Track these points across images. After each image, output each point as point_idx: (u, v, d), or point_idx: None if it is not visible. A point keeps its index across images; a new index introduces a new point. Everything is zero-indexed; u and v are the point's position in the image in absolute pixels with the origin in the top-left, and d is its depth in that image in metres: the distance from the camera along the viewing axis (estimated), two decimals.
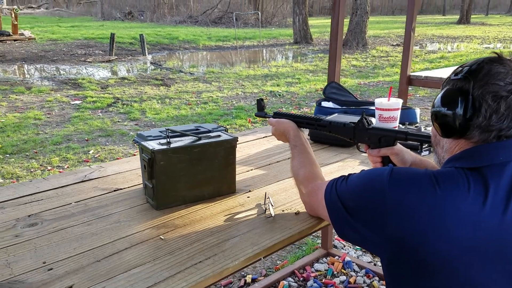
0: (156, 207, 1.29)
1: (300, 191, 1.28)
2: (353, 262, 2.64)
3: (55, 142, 4.82)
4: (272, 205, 1.31)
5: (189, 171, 1.31)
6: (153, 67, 10.47)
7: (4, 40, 13.71)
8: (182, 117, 5.78)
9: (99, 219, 1.22)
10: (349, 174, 1.10)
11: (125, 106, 6.38)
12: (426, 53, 13.20)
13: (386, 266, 1.01)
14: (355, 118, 2.07)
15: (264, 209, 1.29)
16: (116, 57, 11.69)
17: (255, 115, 1.60)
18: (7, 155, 4.40)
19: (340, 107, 2.44)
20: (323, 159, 1.79)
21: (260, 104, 1.56)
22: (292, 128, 1.41)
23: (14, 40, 13.97)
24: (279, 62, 12.17)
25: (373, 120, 2.04)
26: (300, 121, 1.43)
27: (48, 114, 5.99)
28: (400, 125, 2.00)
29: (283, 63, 11.84)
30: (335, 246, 2.87)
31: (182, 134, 1.36)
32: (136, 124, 5.49)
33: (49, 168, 4.07)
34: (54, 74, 9.19)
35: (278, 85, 8.42)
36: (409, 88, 3.06)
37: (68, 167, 4.10)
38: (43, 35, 15.70)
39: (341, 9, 2.39)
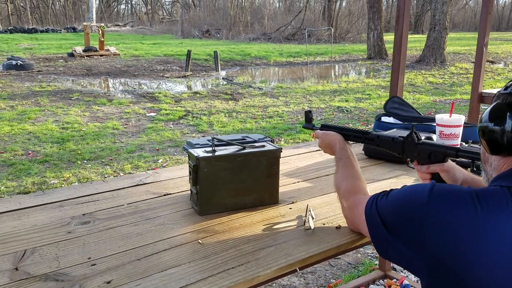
0: (199, 213, 1.33)
1: (342, 205, 1.26)
2: (411, 286, 2.51)
3: (129, 151, 5.12)
4: (312, 218, 1.30)
5: (232, 179, 1.34)
6: (224, 82, 10.80)
7: (91, 55, 14.88)
8: (247, 130, 5.89)
9: (145, 221, 1.29)
10: (391, 190, 1.07)
11: (194, 118, 6.64)
12: (510, 71, 12.33)
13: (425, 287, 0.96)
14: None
15: (304, 221, 1.28)
16: (191, 72, 12.21)
17: (303, 127, 1.60)
18: (85, 161, 4.74)
19: (401, 123, 2.37)
20: (376, 175, 1.74)
21: (308, 116, 1.56)
22: (339, 141, 1.40)
23: (101, 56, 15.10)
24: (350, 78, 12.01)
25: (434, 137, 1.95)
26: (347, 133, 1.41)
27: (125, 124, 6.39)
28: (463, 143, 1.90)
29: (353, 79, 11.66)
30: (394, 269, 2.75)
31: (228, 143, 1.40)
32: (203, 136, 5.69)
33: (121, 174, 4.33)
34: (134, 88, 9.80)
35: (346, 101, 8.31)
36: (482, 107, 2.89)
37: None
38: (127, 51, 16.82)
39: (405, 22, 2.33)
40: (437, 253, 0.89)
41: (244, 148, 1.38)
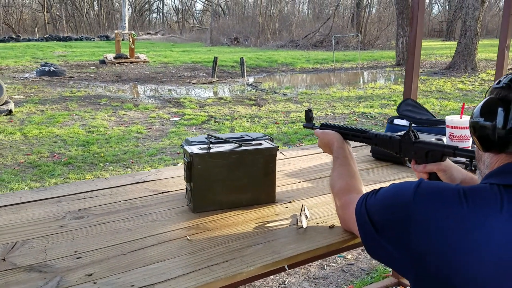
0: (193, 210, 1.32)
1: (335, 204, 1.23)
2: None
3: (150, 154, 5.19)
4: (306, 217, 1.27)
5: (227, 177, 1.33)
6: (249, 88, 10.84)
7: (122, 62, 15.23)
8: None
9: (138, 217, 1.29)
10: (380, 188, 1.04)
11: (217, 123, 6.68)
12: None
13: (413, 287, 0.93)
14: (428, 137, 1.95)
15: (296, 220, 1.26)
16: (217, 79, 12.32)
17: (303, 126, 1.58)
18: (107, 164, 4.84)
19: (414, 126, 2.31)
20: (381, 176, 1.69)
21: (308, 115, 1.53)
22: (337, 140, 1.37)
23: (131, 63, 15.44)
24: (377, 84, 11.84)
25: (444, 139, 1.89)
26: (346, 132, 1.38)
27: (149, 129, 6.48)
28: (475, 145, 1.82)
29: (380, 85, 11.49)
30: None
31: (224, 141, 1.39)
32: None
33: None
34: (161, 94, 9.96)
35: (371, 107, 8.18)
36: None
37: None
38: (156, 58, 17.14)
39: (419, 23, 2.28)
40: (423, 252, 0.86)
41: (240, 145, 1.37)
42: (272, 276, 2.66)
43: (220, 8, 43.63)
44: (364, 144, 1.41)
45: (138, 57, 15.99)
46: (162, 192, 1.49)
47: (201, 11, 50.78)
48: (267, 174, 1.38)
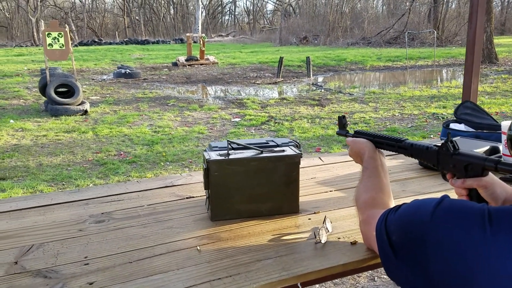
0: (211, 218, 1.29)
1: (358, 218, 1.13)
2: None
3: None
4: (327, 231, 1.18)
5: (246, 185, 1.27)
6: (314, 88, 10.67)
7: (192, 64, 15.70)
8: (327, 137, 5.73)
9: (156, 223, 1.28)
10: (403, 204, 0.93)
11: (276, 124, 6.64)
12: None
13: None
14: (485, 144, 1.76)
15: (314, 234, 1.17)
16: (282, 79, 12.28)
17: (336, 133, 1.48)
18: (167, 163, 4.98)
19: (473, 130, 2.10)
20: (424, 187, 1.55)
21: (341, 122, 1.43)
22: (368, 149, 1.26)
23: (200, 64, 15.87)
24: (452, 83, 11.13)
25: (500, 147, 1.70)
26: (380, 141, 1.27)
27: (211, 129, 6.60)
28: None
29: (456, 84, 10.78)
30: None
31: (245, 147, 1.34)
32: None
33: None
34: (226, 95, 10.12)
35: (444, 107, 7.70)
36: None
37: None
38: (225, 59, 17.47)
39: (479, 18, 2.07)
40: (438, 276, 0.75)
41: (261, 152, 1.31)
42: (317, 285, 2.56)
43: (290, 8, 43.57)
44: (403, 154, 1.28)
45: (207, 59, 16.39)
46: (187, 198, 1.47)
47: (272, 11, 51.07)
48: (289, 183, 1.31)
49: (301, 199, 1.39)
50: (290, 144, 1.42)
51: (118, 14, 42.61)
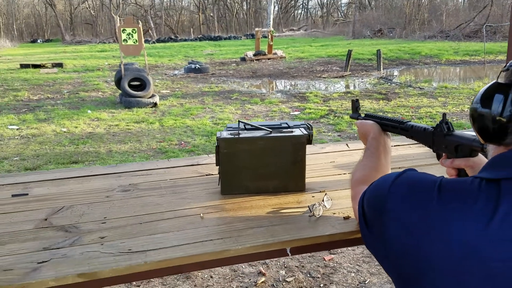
0: (221, 192, 1.39)
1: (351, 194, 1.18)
2: None
3: None
4: (325, 207, 1.24)
5: (253, 162, 1.36)
6: (382, 82, 10.39)
7: (260, 59, 15.92)
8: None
9: (172, 194, 1.41)
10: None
11: (336, 118, 6.59)
12: None
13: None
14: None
15: (309, 208, 1.23)
16: (350, 72, 12.08)
17: (350, 117, 1.52)
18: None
19: None
20: (442, 172, 1.53)
21: (354, 105, 1.48)
22: (373, 131, 1.30)
23: (268, 59, 16.05)
24: None
25: None
26: (385, 123, 1.31)
27: None
28: None
29: None
30: None
31: (257, 128, 1.43)
32: (339, 135, 5.62)
33: None
34: (289, 88, 10.18)
35: None
36: None
37: None
38: (293, 54, 17.50)
39: None
40: (392, 245, 0.80)
41: (270, 132, 1.39)
42: (352, 274, 2.59)
43: (366, 0, 42.46)
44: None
45: (275, 53, 16.53)
46: (206, 175, 1.59)
47: (347, 4, 50.04)
48: (296, 162, 1.37)
49: (311, 179, 1.46)
50: (301, 126, 1.48)
51: (193, 11, 44.15)
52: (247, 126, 1.45)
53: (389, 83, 10.14)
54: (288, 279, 2.54)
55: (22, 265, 0.99)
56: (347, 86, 10.24)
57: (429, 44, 19.92)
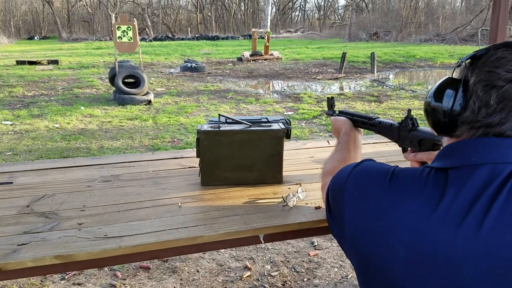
0: (201, 183, 1.43)
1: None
2: None
3: None
4: (299, 198, 1.28)
5: (232, 155, 1.40)
6: (375, 84, 10.46)
7: (256, 59, 15.97)
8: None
9: (153, 185, 1.45)
10: None
11: (327, 118, 6.65)
12: None
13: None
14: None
15: (283, 199, 1.28)
16: (344, 75, 12.14)
17: (325, 113, 1.57)
18: None
19: None
20: None
21: (330, 103, 1.53)
22: (345, 126, 1.35)
23: (264, 60, 16.09)
24: None
25: None
26: (356, 119, 1.36)
27: None
28: None
29: None
30: None
31: (237, 122, 1.47)
32: (330, 135, 5.67)
33: None
34: (284, 89, 10.23)
35: None
36: None
37: None
38: (290, 55, 17.55)
39: (502, 6, 2.02)
40: (351, 232, 0.85)
41: (249, 126, 1.43)
42: (336, 269, 2.63)
43: (363, 3, 42.62)
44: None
45: (272, 54, 16.57)
46: (189, 167, 1.63)
47: (344, 6, 50.21)
48: (274, 155, 1.42)
49: (289, 173, 1.50)
50: (280, 121, 1.52)
51: (191, 11, 44.16)
52: (228, 120, 1.49)
53: (382, 86, 10.21)
54: (273, 274, 2.58)
55: (2, 247, 1.02)
56: (341, 88, 10.30)
57: (424, 47, 20.03)
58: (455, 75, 0.86)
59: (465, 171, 0.74)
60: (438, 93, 0.83)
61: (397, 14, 32.46)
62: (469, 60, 0.82)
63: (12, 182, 1.47)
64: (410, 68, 14.12)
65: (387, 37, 27.98)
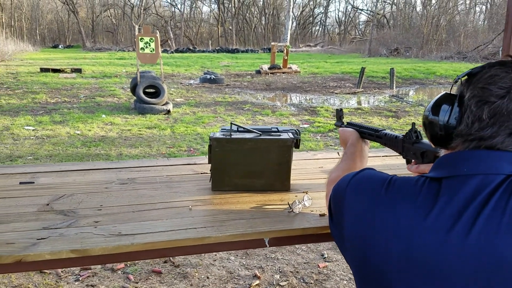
0: (212, 188, 1.49)
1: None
2: None
3: None
4: (304, 205, 1.33)
5: (242, 162, 1.46)
6: (394, 100, 10.44)
7: (274, 72, 16.10)
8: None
9: (166, 188, 1.51)
10: None
11: None
12: None
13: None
14: None
15: (289, 205, 1.32)
16: (362, 89, 12.15)
17: (334, 125, 1.62)
18: None
19: None
20: None
21: (338, 114, 1.58)
22: (352, 137, 1.40)
23: (283, 73, 16.21)
24: None
25: None
26: (363, 131, 1.41)
27: None
28: None
29: None
30: None
31: (248, 130, 1.53)
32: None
33: None
34: (301, 102, 10.29)
35: None
36: None
37: None
38: (308, 69, 17.65)
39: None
40: (350, 238, 0.89)
41: (260, 135, 1.49)
42: (345, 281, 2.65)
43: (384, 19, 42.64)
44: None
45: (290, 68, 16.69)
46: (201, 173, 1.69)
47: (365, 22, 50.27)
48: (282, 164, 1.47)
49: (297, 181, 1.55)
50: (290, 131, 1.58)
51: (213, 24, 44.80)
52: (239, 129, 1.55)
53: (400, 101, 10.19)
54: (281, 283, 2.61)
55: (23, 240, 1.10)
56: (358, 103, 10.31)
57: (445, 65, 19.90)
58: (453, 91, 0.90)
59: (457, 180, 0.78)
60: (436, 108, 0.88)
61: (419, 31, 32.36)
62: (465, 77, 0.86)
63: (33, 182, 1.55)
64: (430, 85, 14.05)
65: (407, 53, 27.90)
